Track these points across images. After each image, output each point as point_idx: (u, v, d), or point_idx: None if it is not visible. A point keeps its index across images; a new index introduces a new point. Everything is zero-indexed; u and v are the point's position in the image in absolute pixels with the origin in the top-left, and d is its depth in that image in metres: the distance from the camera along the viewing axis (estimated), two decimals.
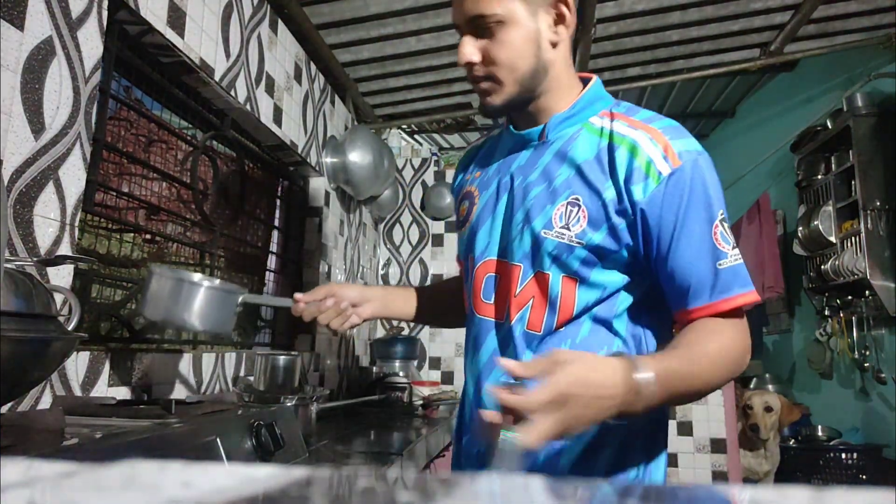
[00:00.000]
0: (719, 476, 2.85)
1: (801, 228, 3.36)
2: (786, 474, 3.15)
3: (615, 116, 0.87)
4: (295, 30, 2.15)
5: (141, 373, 1.37)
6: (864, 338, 3.13)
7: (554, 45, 0.88)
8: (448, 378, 3.21)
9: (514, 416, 0.66)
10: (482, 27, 0.85)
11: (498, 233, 0.93)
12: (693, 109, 4.46)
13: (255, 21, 1.88)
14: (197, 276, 1.14)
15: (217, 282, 1.15)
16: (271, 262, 2.29)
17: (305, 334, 2.39)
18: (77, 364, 1.18)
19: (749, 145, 4.30)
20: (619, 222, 0.82)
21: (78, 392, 1.18)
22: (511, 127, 0.96)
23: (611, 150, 0.84)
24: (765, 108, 4.18)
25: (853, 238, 3.02)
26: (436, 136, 4.10)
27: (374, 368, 2.72)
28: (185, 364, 1.55)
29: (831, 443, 3.20)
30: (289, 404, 1.43)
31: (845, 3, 2.32)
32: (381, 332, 3.29)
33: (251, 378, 1.61)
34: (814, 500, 0.22)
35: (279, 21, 2.05)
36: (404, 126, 3.56)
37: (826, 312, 3.38)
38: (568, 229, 0.84)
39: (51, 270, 1.08)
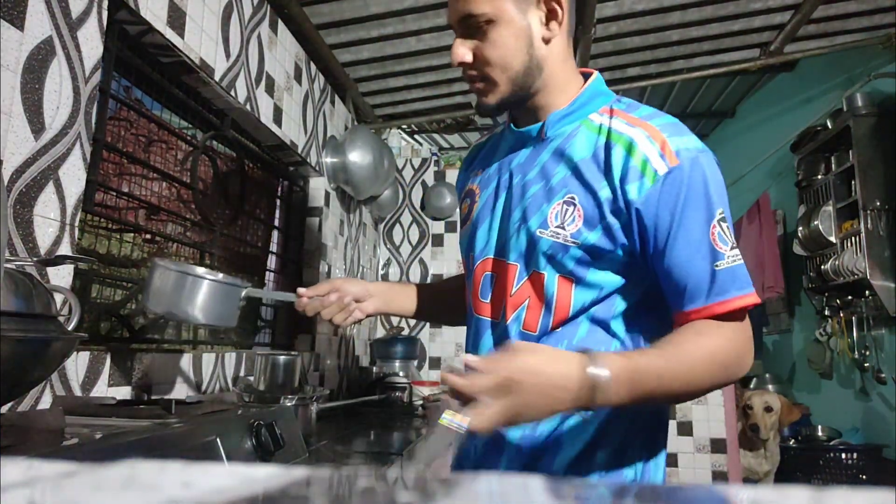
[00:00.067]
0: (719, 476, 2.85)
1: (801, 228, 3.36)
2: (786, 474, 3.15)
3: (614, 113, 0.86)
4: (295, 30, 2.15)
5: (141, 373, 1.37)
6: (864, 338, 3.13)
7: (547, 41, 0.87)
8: None
9: (463, 399, 0.68)
10: (473, 27, 0.85)
11: (496, 231, 0.93)
12: (693, 109, 4.46)
13: (255, 21, 1.88)
14: (201, 270, 1.14)
15: (220, 275, 1.15)
16: (271, 262, 2.29)
17: (305, 334, 2.39)
18: (77, 364, 1.18)
19: (749, 145, 4.30)
20: (614, 222, 0.81)
21: (78, 392, 1.18)
22: (511, 124, 0.96)
23: (608, 148, 0.83)
24: (765, 108, 4.18)
25: (853, 238, 3.02)
26: (436, 136, 4.11)
27: (374, 368, 2.72)
28: (185, 364, 1.55)
29: (831, 443, 3.20)
30: (289, 404, 1.43)
31: (845, 3, 2.32)
32: (381, 332, 3.29)
33: (251, 378, 1.61)
34: (814, 500, 0.22)
35: (279, 21, 2.05)
36: (404, 126, 3.56)
37: (826, 312, 3.38)
38: (563, 229, 0.83)
39: (51, 270, 1.08)
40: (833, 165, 3.23)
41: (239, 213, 1.99)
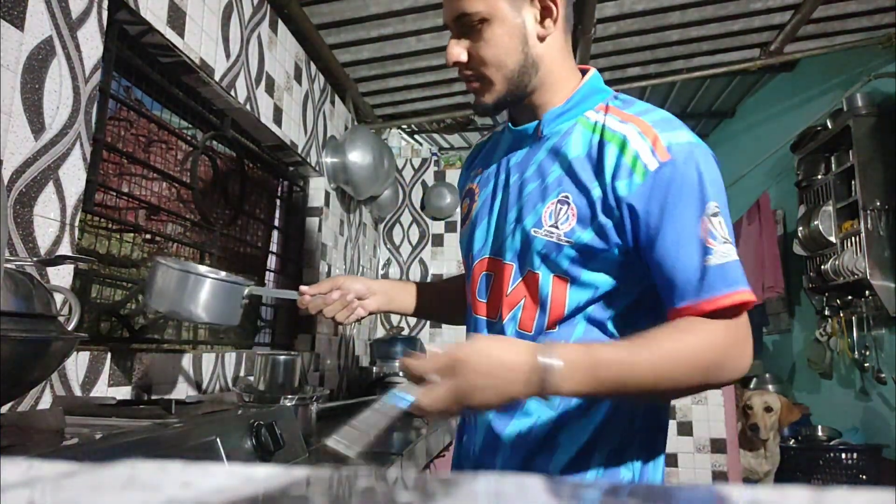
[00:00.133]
0: (719, 476, 2.85)
1: (801, 228, 3.36)
2: (786, 474, 3.15)
3: (609, 110, 0.86)
4: (295, 30, 2.15)
5: (141, 373, 1.37)
6: (864, 338, 3.13)
7: (542, 39, 0.87)
8: None
9: (416, 380, 0.70)
10: (467, 26, 0.85)
11: (493, 231, 0.93)
12: (693, 109, 4.46)
13: (255, 21, 1.88)
14: (203, 268, 1.14)
15: (223, 274, 1.15)
16: (271, 262, 2.29)
17: (305, 334, 2.39)
18: (77, 364, 1.18)
19: (749, 145, 4.31)
20: (607, 221, 0.81)
21: (78, 392, 1.18)
22: (510, 123, 0.96)
23: (601, 146, 0.82)
24: (765, 108, 4.18)
25: (853, 238, 3.02)
26: (436, 136, 4.11)
27: (374, 368, 2.72)
28: (185, 364, 1.55)
29: (831, 443, 3.20)
30: (289, 404, 1.43)
31: (845, 3, 2.32)
32: (381, 332, 3.29)
33: (251, 378, 1.61)
34: (814, 500, 0.22)
35: (279, 21, 2.05)
36: (404, 126, 3.56)
37: (826, 312, 3.38)
38: (557, 228, 0.83)
39: (51, 270, 1.08)
40: (833, 165, 3.23)
41: (239, 213, 1.99)
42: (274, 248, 2.32)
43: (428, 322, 3.28)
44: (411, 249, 3.48)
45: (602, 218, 0.81)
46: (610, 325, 0.85)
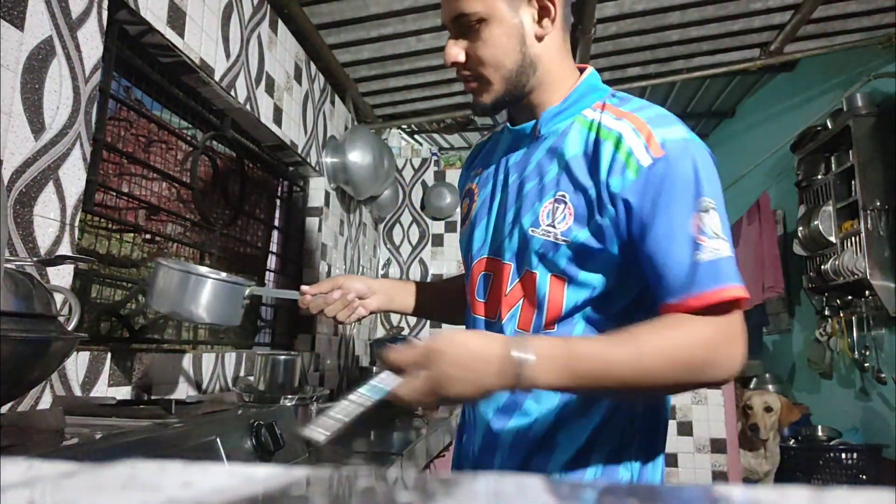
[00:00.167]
0: (719, 476, 2.85)
1: (801, 228, 3.36)
2: (786, 474, 3.15)
3: (605, 108, 0.85)
4: (295, 30, 2.15)
5: (141, 373, 1.37)
6: (864, 338, 3.13)
7: (540, 38, 0.87)
8: None
9: (395, 370, 0.72)
10: (465, 26, 0.85)
11: (492, 231, 0.93)
12: (693, 109, 4.46)
13: (255, 21, 1.88)
14: (204, 269, 1.14)
15: (224, 274, 1.15)
16: (271, 262, 2.29)
17: (305, 334, 2.39)
18: (77, 364, 1.18)
19: (749, 145, 4.31)
20: (603, 220, 0.80)
21: (78, 392, 1.18)
22: (508, 123, 0.96)
23: (597, 144, 0.82)
24: (765, 108, 4.18)
25: (853, 238, 3.02)
26: (436, 136, 4.11)
27: (374, 368, 2.71)
28: (185, 364, 1.55)
29: (831, 443, 3.20)
30: (289, 404, 1.43)
31: (845, 3, 2.32)
32: (381, 332, 3.29)
33: (251, 378, 1.61)
34: (814, 500, 0.22)
35: (279, 21, 2.05)
36: (404, 126, 3.56)
37: (826, 312, 3.38)
38: (554, 227, 0.83)
39: (51, 270, 1.08)
40: (833, 165, 3.23)
41: (239, 213, 1.99)
42: (274, 248, 2.32)
43: (428, 322, 3.28)
44: (411, 249, 3.48)
45: (598, 216, 0.80)
46: (608, 325, 0.84)
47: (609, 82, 2.81)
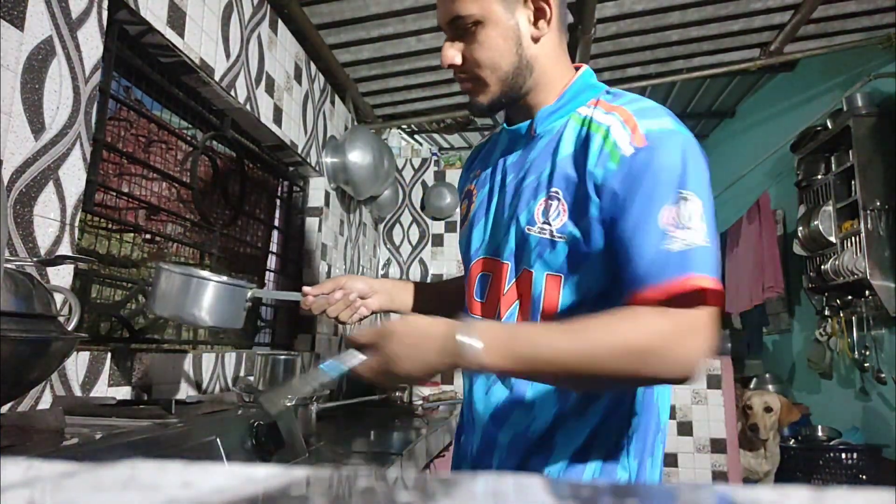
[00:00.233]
0: (719, 476, 2.85)
1: (801, 228, 3.36)
2: (786, 474, 3.15)
3: (598, 104, 0.85)
4: (295, 30, 2.15)
5: (141, 373, 1.37)
6: (864, 338, 3.13)
7: (536, 40, 0.87)
8: (448, 378, 3.21)
9: (357, 348, 0.77)
10: (462, 28, 0.86)
11: (490, 231, 0.93)
12: (693, 109, 4.46)
13: (255, 21, 1.88)
14: (205, 273, 1.15)
15: (225, 277, 1.16)
16: (271, 262, 2.29)
17: (305, 334, 2.40)
18: (77, 364, 1.18)
19: (749, 145, 4.31)
20: (590, 213, 0.80)
21: (78, 392, 1.18)
22: (505, 123, 0.97)
23: (587, 138, 0.82)
24: (765, 108, 4.18)
25: (853, 238, 3.02)
26: (436, 136, 4.11)
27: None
28: (185, 364, 1.55)
29: (831, 443, 3.20)
30: (289, 404, 1.43)
31: (845, 3, 2.32)
32: None
33: (251, 378, 1.61)
34: (814, 500, 0.22)
35: (279, 21, 2.05)
36: (404, 126, 3.56)
37: (826, 312, 3.38)
38: (549, 224, 0.83)
39: (51, 270, 1.08)
40: (833, 165, 3.23)
41: (239, 214, 1.99)
42: (274, 248, 2.32)
43: None
44: (411, 249, 3.48)
45: (587, 210, 0.80)
46: None
47: (609, 82, 2.80)
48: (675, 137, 0.78)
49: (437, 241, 3.47)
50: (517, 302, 0.87)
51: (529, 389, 0.86)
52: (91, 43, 1.19)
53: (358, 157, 2.53)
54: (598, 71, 2.67)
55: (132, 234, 1.56)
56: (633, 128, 0.79)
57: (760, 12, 2.31)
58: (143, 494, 0.22)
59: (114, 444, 0.76)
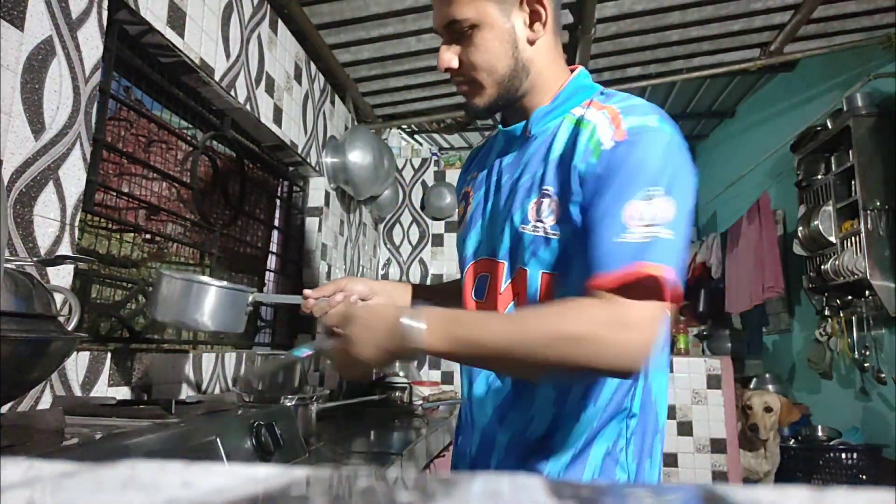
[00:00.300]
0: (719, 476, 2.85)
1: (801, 228, 3.36)
2: (786, 474, 3.15)
3: (591, 104, 0.86)
4: (295, 30, 2.15)
5: (141, 373, 1.37)
6: (864, 338, 3.13)
7: (532, 42, 0.88)
8: (448, 378, 3.21)
9: (328, 332, 0.82)
10: (458, 32, 0.86)
11: (486, 232, 0.94)
12: (693, 109, 4.46)
13: (255, 21, 1.88)
14: (206, 278, 1.16)
15: (226, 283, 1.16)
16: (271, 262, 2.29)
17: (305, 334, 2.39)
18: (77, 364, 1.18)
19: (749, 145, 4.30)
20: (575, 207, 0.81)
21: (78, 392, 1.18)
22: (501, 125, 0.97)
23: (576, 136, 0.83)
24: (765, 108, 4.18)
25: (853, 238, 3.02)
26: (436, 136, 4.11)
27: (374, 368, 2.72)
28: (185, 364, 1.55)
29: (831, 443, 3.20)
30: (289, 404, 1.43)
31: (845, 3, 2.32)
32: None
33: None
34: (814, 500, 0.22)
35: (279, 21, 2.05)
36: (404, 126, 3.56)
37: (826, 312, 3.38)
38: (542, 222, 0.83)
39: (51, 270, 1.08)
40: (833, 165, 3.23)
41: (239, 214, 1.99)
42: (274, 248, 2.32)
43: None
44: (411, 249, 3.48)
45: (575, 205, 0.81)
46: None
47: (609, 82, 2.81)
48: (656, 134, 0.78)
49: (437, 241, 3.47)
50: (513, 301, 0.88)
51: (528, 390, 0.86)
52: (91, 43, 1.19)
53: (358, 157, 2.53)
54: (598, 71, 2.67)
55: (132, 234, 1.56)
56: (617, 124, 0.80)
57: (760, 12, 2.31)
58: (143, 494, 0.22)
59: (114, 444, 0.76)
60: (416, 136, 4.06)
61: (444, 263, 3.44)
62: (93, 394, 1.22)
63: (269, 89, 1.97)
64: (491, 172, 0.97)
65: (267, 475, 0.25)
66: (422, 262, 3.46)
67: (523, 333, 0.72)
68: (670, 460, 2.87)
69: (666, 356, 0.91)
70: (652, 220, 0.72)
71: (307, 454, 1.25)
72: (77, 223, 1.16)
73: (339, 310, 0.81)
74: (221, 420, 1.02)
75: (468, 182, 1.04)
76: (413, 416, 2.22)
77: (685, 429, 2.90)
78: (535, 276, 0.85)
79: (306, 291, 1.09)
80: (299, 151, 2.22)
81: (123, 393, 1.31)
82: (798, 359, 3.87)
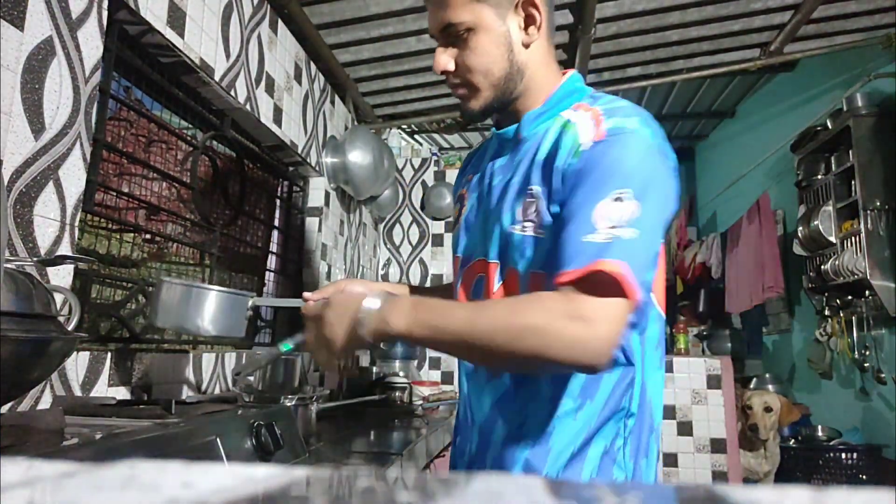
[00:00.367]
0: (719, 476, 2.85)
1: (801, 228, 3.36)
2: (786, 474, 3.15)
3: (580, 107, 0.87)
4: (295, 30, 2.15)
5: (141, 373, 1.37)
6: (864, 338, 3.13)
7: (527, 46, 0.89)
8: (448, 378, 3.21)
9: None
10: (454, 36, 0.87)
11: (479, 233, 0.95)
12: (693, 109, 4.46)
13: (255, 21, 1.88)
14: (205, 284, 1.17)
15: (225, 287, 1.18)
16: (271, 262, 2.29)
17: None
18: (77, 364, 1.18)
19: (749, 145, 4.30)
20: (556, 207, 0.82)
21: (78, 392, 1.18)
22: (494, 128, 0.99)
23: (561, 138, 0.84)
24: (765, 108, 4.18)
25: (853, 238, 3.02)
26: (436, 136, 4.11)
27: (374, 368, 2.72)
28: (185, 364, 1.55)
29: (831, 443, 3.20)
30: (289, 404, 1.43)
31: (845, 3, 2.32)
32: None
33: (251, 378, 1.61)
34: (814, 500, 0.22)
35: (279, 21, 2.05)
36: (404, 126, 3.56)
37: (826, 312, 3.38)
38: (530, 222, 0.84)
39: (51, 270, 1.08)
40: (833, 165, 3.23)
41: (239, 214, 1.99)
42: (274, 248, 2.32)
43: None
44: (411, 249, 3.48)
45: (558, 205, 0.82)
46: None
47: (609, 82, 2.81)
48: (634, 136, 0.78)
49: (437, 241, 3.47)
50: None
51: (523, 388, 0.87)
52: (91, 43, 1.19)
53: (358, 157, 2.53)
54: (597, 71, 2.67)
55: (132, 234, 1.56)
56: (598, 124, 0.81)
57: (760, 12, 2.31)
58: (143, 494, 0.22)
59: (114, 444, 0.76)
60: (416, 136, 4.06)
61: (444, 263, 3.44)
62: (93, 394, 1.22)
63: (269, 89, 1.97)
64: (484, 175, 0.98)
65: (267, 475, 0.25)
66: (422, 262, 3.46)
67: (481, 320, 0.74)
68: (670, 460, 2.87)
69: (661, 355, 0.91)
70: (617, 222, 0.73)
71: (307, 454, 1.25)
72: (77, 223, 1.16)
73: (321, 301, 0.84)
74: (221, 420, 1.02)
75: (464, 184, 1.06)
76: (413, 416, 2.22)
77: (685, 429, 2.90)
78: (526, 276, 0.86)
79: (306, 294, 1.10)
80: (299, 151, 2.22)
81: (123, 393, 1.31)
82: (798, 359, 3.87)
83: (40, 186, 1.06)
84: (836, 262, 3.11)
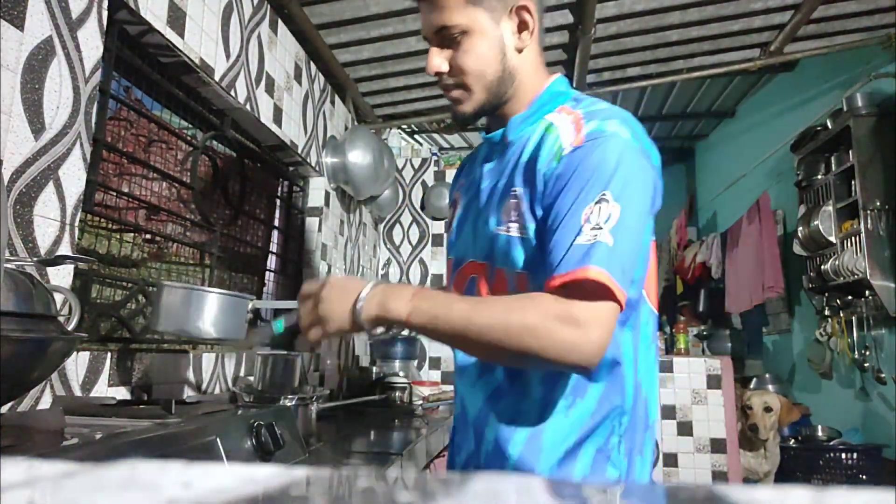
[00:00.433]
0: (719, 476, 2.85)
1: (801, 228, 3.36)
2: (786, 474, 3.15)
3: (562, 110, 0.88)
4: (295, 30, 2.15)
5: (141, 373, 1.37)
6: (864, 338, 3.13)
7: (519, 51, 0.90)
8: (448, 378, 3.21)
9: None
10: (448, 37, 0.88)
11: (470, 236, 0.96)
12: (693, 109, 4.46)
13: (255, 21, 1.88)
14: (205, 287, 1.18)
15: (225, 290, 1.19)
16: (271, 262, 2.29)
17: None
18: (77, 364, 1.18)
19: (749, 145, 4.30)
20: (540, 210, 0.83)
21: (78, 392, 1.18)
22: (484, 132, 0.99)
23: (543, 141, 0.85)
24: (765, 108, 4.18)
25: (853, 238, 3.02)
26: (436, 136, 4.11)
27: (374, 368, 2.72)
28: (185, 364, 1.55)
29: (831, 443, 3.20)
30: (289, 404, 1.43)
31: (845, 3, 2.32)
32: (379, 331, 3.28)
33: (251, 378, 1.61)
34: (814, 500, 0.22)
35: (279, 21, 2.05)
36: (404, 126, 3.56)
37: (826, 312, 3.38)
38: (514, 223, 0.86)
39: (51, 270, 1.08)
40: (833, 165, 3.23)
41: (239, 213, 1.99)
42: (274, 248, 2.32)
43: None
44: (411, 249, 3.48)
45: (541, 208, 0.83)
46: None
47: (609, 82, 2.81)
48: (612, 140, 0.80)
49: (437, 241, 3.47)
50: None
51: (515, 384, 0.87)
52: (91, 43, 1.19)
53: (358, 157, 2.53)
54: (597, 71, 2.67)
55: (132, 234, 1.56)
56: (578, 128, 0.82)
57: (760, 12, 2.31)
58: (143, 494, 0.22)
59: (114, 444, 0.76)
60: (416, 136, 4.06)
61: (444, 263, 3.43)
62: (93, 394, 1.22)
63: (269, 89, 1.97)
64: (475, 179, 0.99)
65: (267, 475, 0.25)
66: (422, 262, 3.46)
67: (479, 315, 0.76)
68: (670, 460, 2.87)
69: (654, 351, 0.92)
70: (598, 224, 0.76)
71: (307, 454, 1.25)
72: (77, 223, 1.16)
73: (314, 284, 0.86)
74: (221, 420, 1.02)
75: (457, 189, 1.08)
76: (413, 416, 2.22)
77: (685, 429, 2.90)
78: (512, 277, 0.87)
79: None
80: (299, 151, 2.22)
81: (123, 393, 1.31)
82: (798, 359, 3.87)
83: (40, 186, 1.06)
84: (836, 262, 3.11)
